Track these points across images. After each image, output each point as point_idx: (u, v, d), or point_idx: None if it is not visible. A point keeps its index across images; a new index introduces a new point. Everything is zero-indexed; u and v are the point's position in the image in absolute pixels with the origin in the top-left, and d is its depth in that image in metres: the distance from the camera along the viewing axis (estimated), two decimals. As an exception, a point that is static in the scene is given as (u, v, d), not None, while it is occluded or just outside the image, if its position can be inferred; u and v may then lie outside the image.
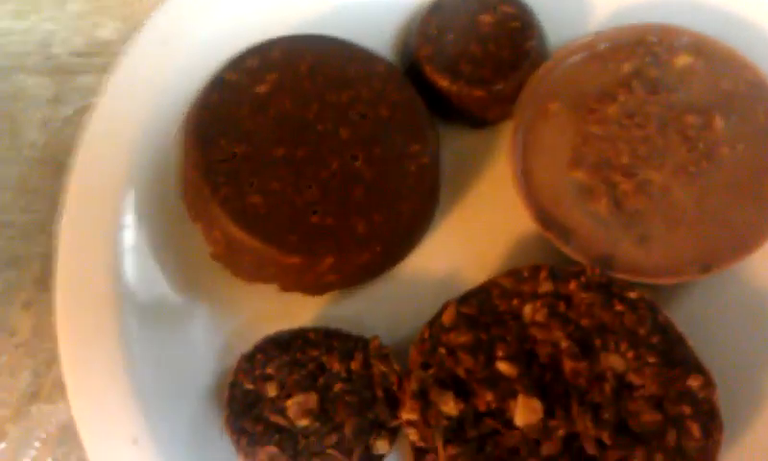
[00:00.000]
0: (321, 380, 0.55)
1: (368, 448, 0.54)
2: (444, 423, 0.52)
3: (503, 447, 0.51)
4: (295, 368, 0.55)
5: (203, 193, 0.59)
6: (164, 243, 0.62)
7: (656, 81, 0.63)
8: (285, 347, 0.56)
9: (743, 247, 0.57)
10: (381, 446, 0.54)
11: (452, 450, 0.51)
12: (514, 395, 0.52)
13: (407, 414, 0.53)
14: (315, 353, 0.56)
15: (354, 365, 0.55)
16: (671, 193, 0.59)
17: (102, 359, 0.56)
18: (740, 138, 0.60)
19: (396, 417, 0.54)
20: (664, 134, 0.60)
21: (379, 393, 0.55)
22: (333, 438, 0.53)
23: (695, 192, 0.58)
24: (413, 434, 0.53)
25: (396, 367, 0.55)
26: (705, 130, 0.60)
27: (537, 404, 0.52)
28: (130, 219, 0.61)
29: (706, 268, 0.57)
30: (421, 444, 0.53)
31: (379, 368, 0.55)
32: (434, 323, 0.55)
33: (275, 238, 0.58)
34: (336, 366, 0.55)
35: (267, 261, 0.58)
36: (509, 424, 0.52)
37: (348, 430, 0.53)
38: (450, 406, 0.52)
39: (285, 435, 0.53)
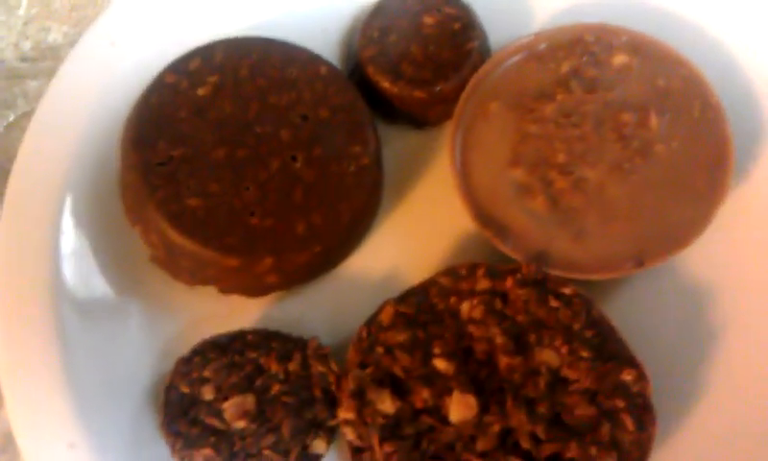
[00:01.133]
0: (258, 382, 0.54)
1: (305, 448, 0.53)
2: (381, 421, 0.52)
3: (439, 443, 0.51)
4: (232, 370, 0.55)
5: (140, 196, 0.59)
6: (104, 247, 0.61)
7: (593, 80, 0.63)
8: (223, 349, 0.56)
9: (677, 242, 0.57)
10: (318, 445, 0.54)
11: (388, 448, 0.51)
12: (450, 392, 0.52)
13: (344, 413, 0.53)
14: (253, 355, 0.55)
15: (292, 366, 0.55)
16: (606, 190, 0.59)
17: (39, 364, 0.55)
18: (675, 135, 0.60)
19: (334, 417, 0.54)
20: (600, 133, 0.61)
21: (317, 393, 0.54)
22: (270, 439, 0.53)
23: (630, 189, 0.59)
24: (350, 433, 0.52)
25: (335, 367, 0.55)
26: (640, 127, 0.60)
27: (471, 400, 0.52)
28: (69, 223, 0.60)
29: (640, 263, 0.57)
30: (358, 442, 0.52)
31: (317, 368, 0.55)
32: (372, 322, 0.55)
33: (213, 240, 0.57)
34: (274, 367, 0.55)
35: (206, 264, 0.58)
36: (445, 420, 0.51)
37: (285, 431, 0.53)
38: (387, 404, 0.52)
39: (221, 437, 0.53)
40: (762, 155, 0.62)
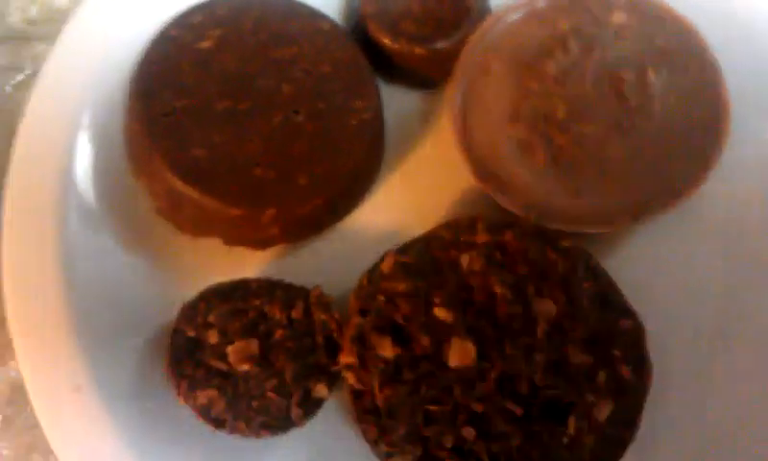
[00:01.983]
0: (262, 328, 0.55)
1: (307, 393, 0.54)
2: (381, 365, 0.52)
3: (438, 387, 0.52)
4: (236, 316, 0.55)
5: (144, 146, 0.59)
6: (110, 200, 0.61)
7: (592, 38, 0.63)
8: (227, 296, 0.56)
9: (673, 196, 0.57)
10: (320, 390, 0.54)
11: (387, 391, 0.52)
12: (449, 339, 0.53)
13: (345, 358, 0.54)
14: (257, 302, 0.56)
15: (295, 313, 0.55)
16: (605, 147, 0.59)
17: (47, 312, 0.56)
18: (672, 92, 0.60)
19: (335, 363, 0.54)
20: (599, 90, 0.61)
21: (319, 340, 0.55)
22: (273, 382, 0.54)
23: (628, 145, 0.59)
24: (351, 377, 0.53)
25: (337, 315, 0.56)
26: (638, 85, 0.60)
27: (470, 346, 0.52)
28: (75, 178, 0.60)
29: (636, 217, 0.57)
30: (359, 386, 0.53)
31: (320, 316, 0.55)
32: (373, 271, 0.56)
33: (216, 190, 0.58)
34: (277, 314, 0.55)
35: (210, 214, 0.58)
36: (444, 366, 0.52)
37: (287, 375, 0.54)
38: (387, 350, 0.53)
39: (225, 379, 0.54)
40: (758, 117, 0.63)
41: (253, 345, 0.54)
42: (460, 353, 0.52)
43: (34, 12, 0.75)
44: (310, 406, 0.54)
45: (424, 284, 0.54)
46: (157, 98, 0.60)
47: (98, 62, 0.63)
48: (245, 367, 0.54)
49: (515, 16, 0.65)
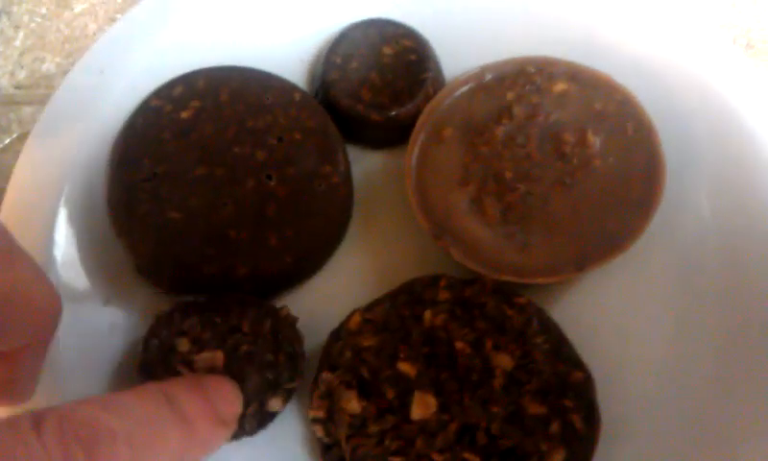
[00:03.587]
0: (230, 341, 0.46)
1: (262, 405, 0.45)
2: (348, 419, 0.43)
3: (402, 439, 0.42)
4: (208, 327, 0.46)
5: (126, 209, 0.49)
6: (92, 258, 0.51)
7: (535, 105, 0.54)
8: (202, 309, 0.47)
9: (615, 247, 0.49)
10: (275, 404, 0.45)
11: (354, 443, 0.42)
12: (412, 392, 0.43)
13: (314, 412, 0.44)
14: (228, 317, 0.47)
15: (263, 330, 0.46)
16: (549, 203, 0.50)
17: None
18: (611, 151, 0.52)
19: (293, 380, 0.46)
20: (543, 151, 0.52)
21: (281, 358, 0.46)
22: None
23: (571, 201, 0.50)
24: (319, 430, 0.44)
25: (300, 335, 0.47)
26: (579, 146, 0.52)
27: (431, 399, 0.43)
28: (60, 236, 0.50)
29: (580, 267, 0.48)
30: (327, 439, 0.44)
31: (285, 334, 0.47)
32: (341, 328, 0.46)
33: (193, 251, 0.48)
34: (247, 329, 0.46)
35: (186, 273, 0.48)
36: (407, 418, 0.43)
37: (246, 388, 0.45)
38: (353, 405, 0.43)
39: None
40: (691, 165, 0.54)
41: (219, 356, 0.45)
42: (422, 406, 0.43)
43: (21, 76, 0.64)
44: (263, 418, 0.45)
45: (390, 339, 0.45)
46: (138, 164, 0.50)
47: (85, 127, 0.53)
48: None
49: (465, 88, 0.56)
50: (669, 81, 0.56)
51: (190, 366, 0.45)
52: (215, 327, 0.46)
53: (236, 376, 0.45)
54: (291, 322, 0.47)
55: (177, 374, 0.45)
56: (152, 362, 0.45)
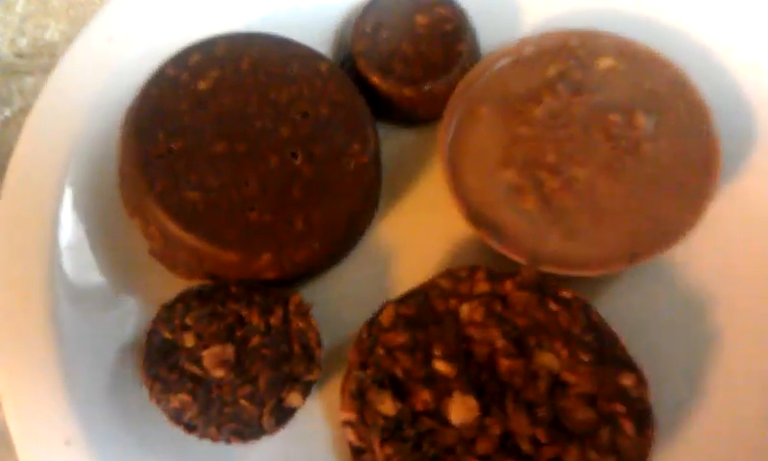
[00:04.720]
0: (239, 333, 0.43)
1: (281, 401, 0.42)
2: (381, 422, 0.40)
3: (439, 445, 0.39)
4: (214, 319, 0.43)
5: (139, 189, 0.46)
6: (102, 240, 0.48)
7: (579, 82, 0.51)
8: (206, 299, 0.44)
9: (668, 237, 0.46)
10: (294, 399, 0.43)
11: (389, 449, 0.39)
12: (450, 393, 0.40)
13: (345, 414, 0.41)
14: (235, 307, 0.44)
15: (273, 320, 0.44)
16: (596, 189, 0.47)
17: (35, 362, 0.42)
18: (662, 134, 0.48)
19: (311, 372, 0.43)
20: (588, 133, 0.49)
21: (296, 348, 0.43)
22: (246, 389, 0.42)
23: (620, 187, 0.47)
24: (350, 434, 0.41)
25: (315, 323, 0.44)
26: (628, 127, 0.49)
27: (472, 402, 0.40)
28: (66, 217, 0.47)
29: (632, 259, 0.45)
30: (359, 443, 0.41)
31: (298, 324, 0.44)
32: (372, 323, 0.43)
33: (212, 235, 0.45)
34: (255, 319, 0.44)
35: (204, 258, 0.45)
36: (445, 422, 0.40)
37: (261, 383, 0.42)
38: (387, 406, 0.40)
39: (199, 384, 0.42)
40: (751, 154, 0.51)
41: (229, 350, 0.43)
42: (462, 409, 0.40)
43: (23, 44, 0.60)
44: (283, 415, 0.43)
45: (424, 336, 0.42)
46: (153, 139, 0.47)
47: (92, 99, 0.50)
48: (219, 372, 0.42)
49: (503, 63, 0.53)
50: (724, 57, 0.52)
51: (199, 363, 0.42)
52: (222, 318, 0.43)
53: (248, 370, 0.42)
54: (304, 310, 0.45)
55: (183, 373, 0.42)
56: (155, 361, 0.43)
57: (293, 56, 0.51)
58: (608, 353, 0.41)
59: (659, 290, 0.47)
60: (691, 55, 0.52)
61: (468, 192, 0.48)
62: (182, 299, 0.44)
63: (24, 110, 0.49)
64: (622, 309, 0.46)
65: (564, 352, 0.41)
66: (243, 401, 0.42)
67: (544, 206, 0.47)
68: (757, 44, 0.53)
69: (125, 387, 0.44)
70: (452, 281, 0.43)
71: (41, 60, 0.57)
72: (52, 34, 0.60)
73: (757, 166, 0.50)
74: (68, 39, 0.55)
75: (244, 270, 0.45)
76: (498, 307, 0.42)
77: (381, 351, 0.41)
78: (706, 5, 0.54)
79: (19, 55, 0.59)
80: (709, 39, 0.53)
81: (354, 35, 0.54)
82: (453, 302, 0.43)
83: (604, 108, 0.49)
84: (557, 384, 0.40)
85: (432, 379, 0.41)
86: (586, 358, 0.41)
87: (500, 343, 0.41)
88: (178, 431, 0.42)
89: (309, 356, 0.44)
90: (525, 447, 0.39)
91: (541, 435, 0.39)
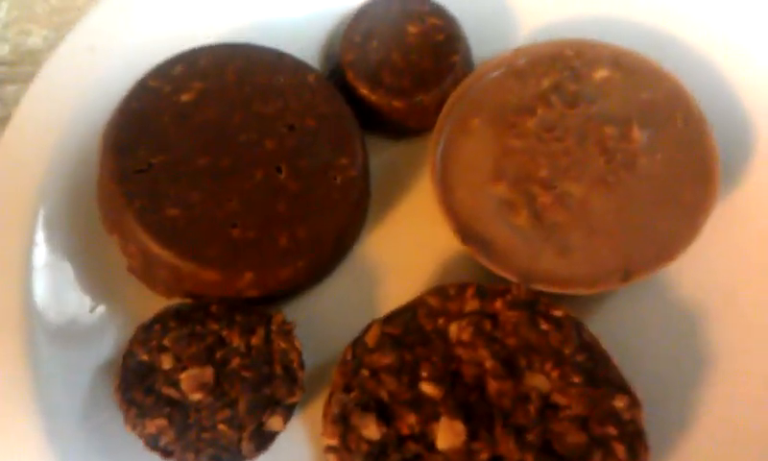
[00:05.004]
0: (218, 354, 0.42)
1: (261, 425, 0.41)
2: (365, 447, 0.39)
3: (426, 471, 0.38)
4: (193, 340, 0.42)
5: (118, 205, 0.44)
6: (80, 257, 0.46)
7: (574, 94, 0.50)
8: (185, 319, 0.43)
9: (663, 254, 0.44)
10: (275, 423, 0.41)
11: (373, 476, 0.38)
12: (437, 417, 0.39)
13: (328, 439, 0.40)
14: (215, 327, 0.43)
15: (255, 340, 0.42)
16: (590, 204, 0.46)
17: (6, 378, 0.41)
18: (659, 147, 0.47)
19: (293, 394, 0.42)
20: (583, 146, 0.48)
21: (278, 370, 0.42)
22: (226, 413, 0.41)
23: (614, 202, 0.46)
24: (333, 459, 0.39)
25: (298, 344, 0.43)
26: (623, 140, 0.47)
27: (459, 427, 0.38)
28: (43, 232, 0.45)
29: (626, 276, 0.44)
30: (342, 470, 0.39)
31: (280, 344, 0.42)
32: (357, 343, 0.42)
33: (192, 252, 0.43)
34: (236, 340, 0.42)
35: (184, 276, 0.44)
36: (432, 447, 0.38)
37: (241, 406, 0.41)
38: (372, 430, 0.39)
39: (176, 408, 0.41)
40: (749, 166, 0.49)
41: (208, 373, 0.41)
42: (449, 434, 0.38)
43: (5, 51, 0.59)
44: (263, 440, 0.41)
45: (411, 357, 0.40)
46: (133, 154, 0.45)
47: (72, 112, 0.49)
48: (197, 396, 0.41)
49: (496, 73, 0.51)
50: (722, 68, 0.51)
51: (176, 386, 0.41)
52: (201, 339, 0.42)
53: (227, 393, 0.41)
54: (287, 329, 0.43)
55: (159, 396, 0.41)
56: (131, 384, 0.41)
57: (279, 66, 0.50)
58: (600, 374, 0.40)
59: (653, 308, 0.46)
60: (689, 65, 0.51)
61: (458, 207, 0.47)
62: (160, 319, 0.43)
63: (4, 120, 0.48)
64: (615, 327, 0.45)
65: (555, 374, 0.39)
66: (221, 426, 0.41)
67: (536, 222, 0.46)
68: (756, 56, 0.51)
69: (102, 412, 0.43)
70: (441, 299, 0.42)
71: (23, 67, 0.56)
72: (35, 40, 0.58)
73: (755, 180, 0.49)
74: (51, 47, 0.54)
75: (225, 288, 0.44)
76: (488, 327, 0.41)
77: (366, 373, 0.40)
78: (703, 15, 0.53)
79: (1, 62, 0.58)
80: (707, 50, 0.52)
81: (344, 44, 0.52)
82: (441, 320, 0.41)
83: (599, 120, 0.48)
84: (547, 406, 0.39)
85: (418, 402, 0.39)
86: (577, 380, 0.39)
87: (489, 364, 0.40)
88: (156, 457, 0.40)
89: (291, 378, 0.42)
90: (514, 473, 0.38)
91: (531, 460, 0.38)
